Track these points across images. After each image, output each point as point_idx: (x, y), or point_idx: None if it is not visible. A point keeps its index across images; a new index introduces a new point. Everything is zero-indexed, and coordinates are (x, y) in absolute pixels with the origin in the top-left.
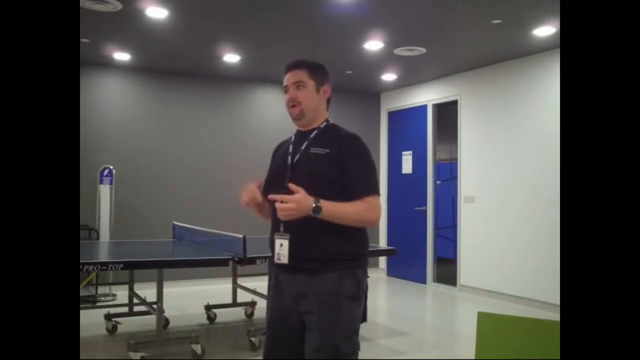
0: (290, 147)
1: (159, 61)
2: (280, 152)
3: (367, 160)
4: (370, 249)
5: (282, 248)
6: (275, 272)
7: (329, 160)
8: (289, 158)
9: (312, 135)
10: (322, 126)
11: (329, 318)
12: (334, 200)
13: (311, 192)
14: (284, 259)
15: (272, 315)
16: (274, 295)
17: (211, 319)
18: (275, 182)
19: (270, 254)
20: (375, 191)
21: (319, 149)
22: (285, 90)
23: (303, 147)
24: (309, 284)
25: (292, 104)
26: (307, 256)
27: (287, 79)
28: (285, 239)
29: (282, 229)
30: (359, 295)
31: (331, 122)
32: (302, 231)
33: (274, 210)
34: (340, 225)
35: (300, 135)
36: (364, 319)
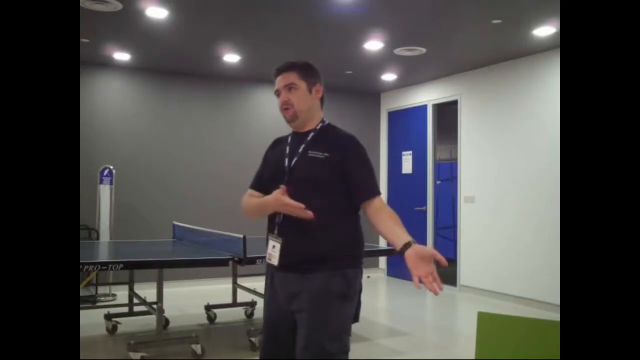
0: (287, 148)
1: (159, 61)
2: (276, 151)
3: (368, 161)
4: (370, 249)
5: (274, 250)
6: (271, 271)
7: (328, 164)
8: (286, 161)
9: (309, 138)
10: (318, 127)
11: (317, 317)
12: (330, 201)
13: (310, 195)
14: (274, 260)
15: (268, 314)
16: (269, 294)
17: (211, 319)
18: (273, 185)
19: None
20: (379, 191)
21: (317, 153)
22: (277, 93)
23: (300, 150)
24: (300, 283)
25: (285, 107)
26: (300, 256)
27: (278, 82)
28: (278, 241)
29: (276, 231)
30: (350, 295)
31: (327, 122)
32: (296, 233)
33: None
34: (333, 226)
35: (297, 137)
36: (355, 319)
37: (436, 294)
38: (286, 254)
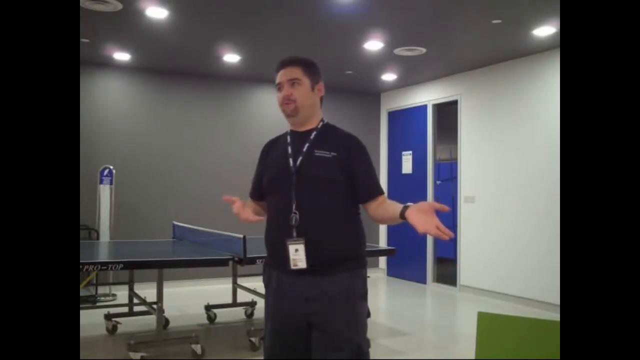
0: (289, 148)
1: (159, 61)
2: (275, 153)
3: (371, 161)
4: (370, 249)
5: (297, 253)
6: (276, 274)
7: (336, 164)
8: (291, 161)
9: (312, 137)
10: (319, 126)
11: (346, 318)
12: (338, 200)
13: (318, 195)
14: (302, 264)
15: (275, 318)
16: (275, 298)
17: (211, 319)
18: (278, 186)
19: (265, 256)
20: (383, 190)
21: (324, 152)
22: (279, 87)
23: (305, 149)
24: (320, 285)
25: (286, 102)
26: (320, 259)
27: (281, 75)
28: (300, 243)
29: (295, 234)
30: (365, 293)
31: (326, 121)
32: (315, 235)
33: (279, 213)
34: (345, 227)
35: (298, 136)
36: (368, 315)
37: (449, 237)
38: (310, 255)
